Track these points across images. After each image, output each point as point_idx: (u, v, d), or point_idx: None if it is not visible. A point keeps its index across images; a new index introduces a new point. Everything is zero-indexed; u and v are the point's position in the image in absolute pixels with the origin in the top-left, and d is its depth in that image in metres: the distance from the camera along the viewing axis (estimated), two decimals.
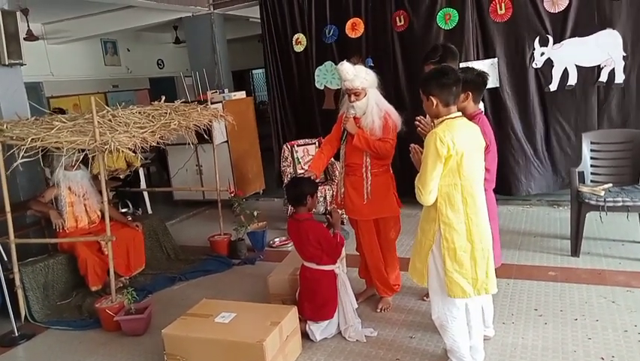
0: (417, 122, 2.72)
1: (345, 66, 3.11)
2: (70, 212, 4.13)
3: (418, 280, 2.60)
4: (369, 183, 3.24)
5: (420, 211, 2.59)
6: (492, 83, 5.21)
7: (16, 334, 3.50)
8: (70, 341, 3.45)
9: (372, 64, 5.66)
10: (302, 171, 4.85)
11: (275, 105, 6.59)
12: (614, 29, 4.75)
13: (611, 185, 3.95)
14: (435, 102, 2.36)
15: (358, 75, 3.12)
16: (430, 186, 2.34)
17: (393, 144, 3.21)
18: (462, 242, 2.38)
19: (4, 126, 3.59)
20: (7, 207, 3.63)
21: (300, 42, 6.24)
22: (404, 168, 5.50)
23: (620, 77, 4.82)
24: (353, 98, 3.17)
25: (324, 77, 6.20)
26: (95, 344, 3.38)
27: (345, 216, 3.75)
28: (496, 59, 5.20)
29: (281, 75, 6.47)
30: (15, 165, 3.37)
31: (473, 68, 2.91)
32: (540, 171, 5.29)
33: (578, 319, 3.05)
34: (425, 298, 3.47)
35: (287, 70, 6.40)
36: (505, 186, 5.28)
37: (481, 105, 2.95)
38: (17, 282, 3.67)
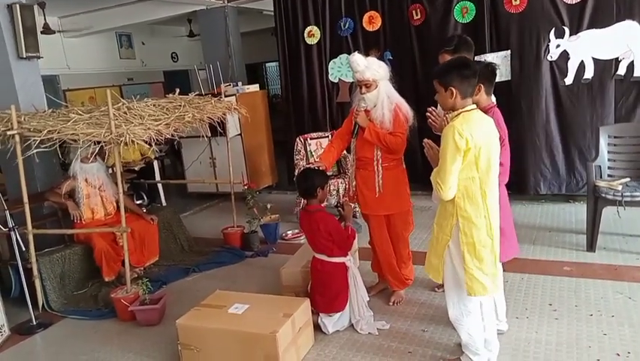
0: (428, 114, 2.68)
1: (357, 57, 3.12)
2: (87, 204, 4.18)
3: (434, 277, 2.57)
4: (381, 176, 3.24)
5: (432, 204, 2.57)
6: (504, 76, 5.13)
7: (34, 322, 3.57)
8: (86, 331, 3.51)
9: (390, 57, 5.63)
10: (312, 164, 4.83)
11: (288, 98, 6.59)
12: (633, 20, 4.63)
13: (628, 179, 3.89)
14: (454, 93, 2.29)
15: (370, 67, 3.11)
16: (450, 182, 2.27)
17: (404, 138, 3.19)
18: (482, 236, 2.32)
19: (22, 118, 3.64)
20: (25, 198, 3.68)
21: (312, 34, 6.22)
22: (423, 161, 5.50)
23: (639, 70, 4.70)
24: (364, 89, 3.18)
25: (339, 69, 6.18)
26: (110, 334, 3.43)
27: (357, 209, 3.75)
28: (509, 51, 5.12)
29: (294, 68, 6.45)
30: (29, 153, 3.43)
31: (480, 61, 2.89)
32: (552, 168, 5.16)
33: (593, 314, 3.02)
34: (437, 288, 3.46)
35: (300, 63, 6.38)
36: (516, 182, 5.20)
37: (493, 98, 2.91)
38: (35, 271, 3.73)
